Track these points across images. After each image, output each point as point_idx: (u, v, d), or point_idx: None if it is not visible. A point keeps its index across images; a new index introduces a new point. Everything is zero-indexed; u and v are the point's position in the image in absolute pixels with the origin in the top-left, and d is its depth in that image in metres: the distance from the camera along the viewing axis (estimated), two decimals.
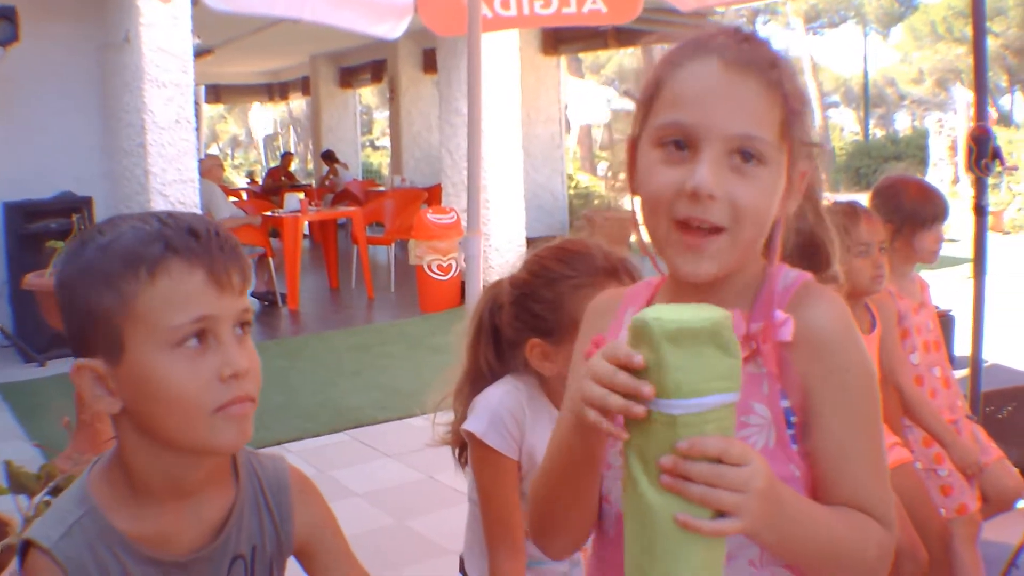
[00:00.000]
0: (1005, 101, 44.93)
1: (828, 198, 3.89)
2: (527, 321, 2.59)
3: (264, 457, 1.81)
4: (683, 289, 1.60)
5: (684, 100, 1.51)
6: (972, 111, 5.13)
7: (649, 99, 1.57)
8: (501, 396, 2.62)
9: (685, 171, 1.49)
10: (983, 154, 4.38)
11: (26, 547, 1.57)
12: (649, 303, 1.69)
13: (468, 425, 2.61)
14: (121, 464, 1.63)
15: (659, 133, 1.53)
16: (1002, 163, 4.43)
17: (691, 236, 1.51)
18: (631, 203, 1.65)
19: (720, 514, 1.29)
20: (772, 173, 1.53)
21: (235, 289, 1.58)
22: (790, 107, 1.54)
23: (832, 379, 1.53)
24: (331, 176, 20.76)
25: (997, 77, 40.34)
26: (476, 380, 2.73)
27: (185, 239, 1.54)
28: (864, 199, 3.98)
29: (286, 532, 1.77)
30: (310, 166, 28.21)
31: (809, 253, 1.68)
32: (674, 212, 1.51)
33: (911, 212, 4.00)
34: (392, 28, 5.85)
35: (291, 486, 1.80)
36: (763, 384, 1.54)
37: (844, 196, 3.96)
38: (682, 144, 1.51)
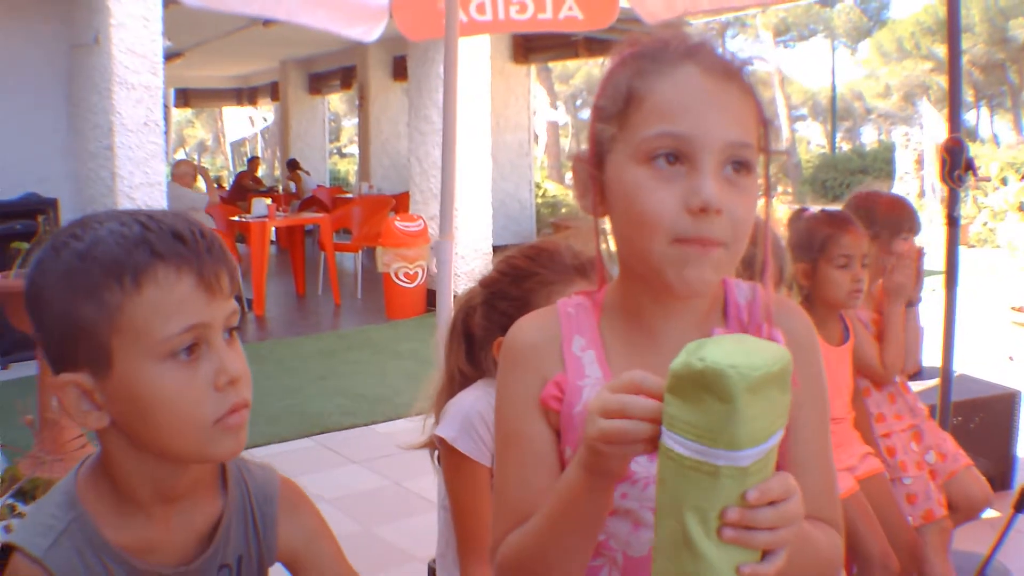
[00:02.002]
0: (971, 116, 45.27)
1: (805, 207, 3.91)
2: (495, 320, 2.58)
3: (254, 465, 1.75)
4: (645, 308, 1.56)
5: (672, 110, 1.44)
6: (945, 124, 5.15)
7: (622, 113, 1.49)
8: (472, 401, 2.60)
9: (683, 186, 1.43)
10: (956, 166, 4.39)
11: (6, 552, 1.50)
12: (598, 329, 1.61)
13: (439, 431, 2.59)
14: (107, 472, 1.56)
15: (646, 147, 1.45)
16: (975, 175, 4.44)
17: (695, 247, 1.43)
18: (601, 221, 1.58)
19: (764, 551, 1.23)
20: (755, 182, 1.49)
21: (224, 292, 1.50)
22: (764, 114, 1.51)
23: (810, 385, 1.56)
24: (295, 182, 20.70)
25: (963, 93, 40.63)
26: (451, 385, 2.71)
27: (171, 243, 1.46)
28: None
29: (268, 544, 1.71)
30: (277, 172, 28.11)
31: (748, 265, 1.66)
32: (677, 231, 1.43)
33: (885, 222, 4.02)
34: (368, 31, 5.79)
35: (279, 498, 1.74)
36: None
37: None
38: (673, 157, 1.44)
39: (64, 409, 1.48)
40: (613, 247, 1.59)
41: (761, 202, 1.54)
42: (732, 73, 1.47)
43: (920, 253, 4.11)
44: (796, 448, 1.53)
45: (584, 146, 1.60)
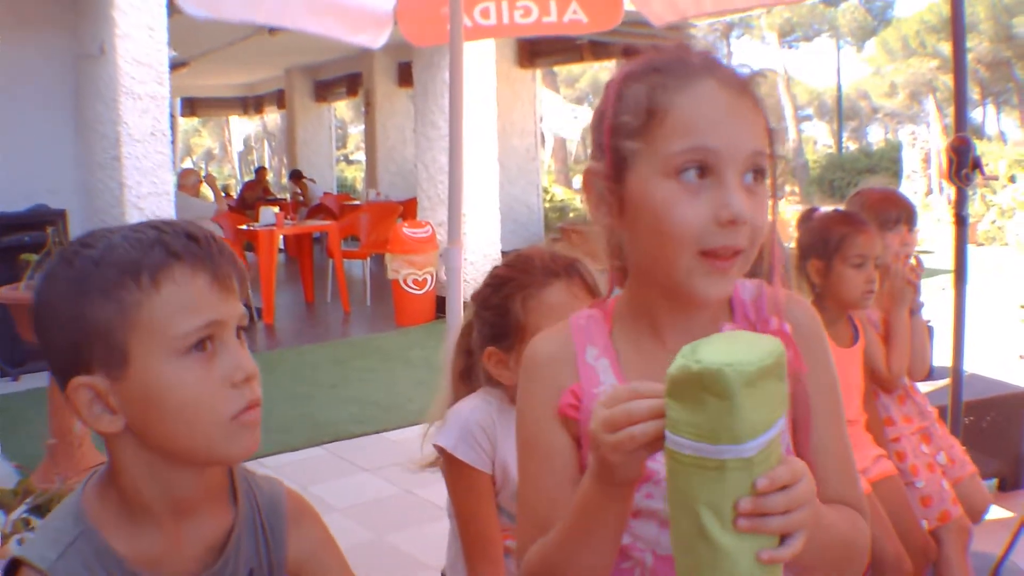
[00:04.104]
0: (976, 114, 45.26)
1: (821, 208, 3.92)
2: (482, 330, 2.64)
3: (261, 479, 1.76)
4: (658, 315, 1.60)
5: (698, 125, 1.48)
6: (950, 122, 5.15)
7: (644, 128, 1.51)
8: (471, 409, 2.63)
9: (711, 199, 1.47)
10: (963, 164, 4.38)
11: (16, 567, 1.49)
12: (609, 338, 1.65)
13: (439, 440, 2.62)
14: (116, 483, 1.55)
15: (674, 162, 1.48)
16: (982, 173, 4.43)
17: (720, 261, 1.49)
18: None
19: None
20: (766, 188, 1.54)
21: (235, 292, 1.54)
22: (769, 122, 1.55)
23: (820, 376, 1.63)
24: (301, 193, 20.72)
25: (969, 90, 40.61)
26: (454, 398, 2.74)
27: (185, 243, 1.49)
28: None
29: (278, 558, 1.71)
30: (284, 180, 28.15)
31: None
32: (704, 243, 1.48)
33: (874, 215, 4.02)
34: (373, 38, 5.79)
35: (287, 511, 1.74)
36: None
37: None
38: (701, 170, 1.48)
39: (77, 413, 1.49)
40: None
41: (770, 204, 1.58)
42: (745, 85, 1.53)
43: (908, 257, 4.08)
44: (816, 436, 1.60)
45: (590, 158, 1.63)
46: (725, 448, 1.20)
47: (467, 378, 2.75)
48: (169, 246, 1.48)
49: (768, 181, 1.55)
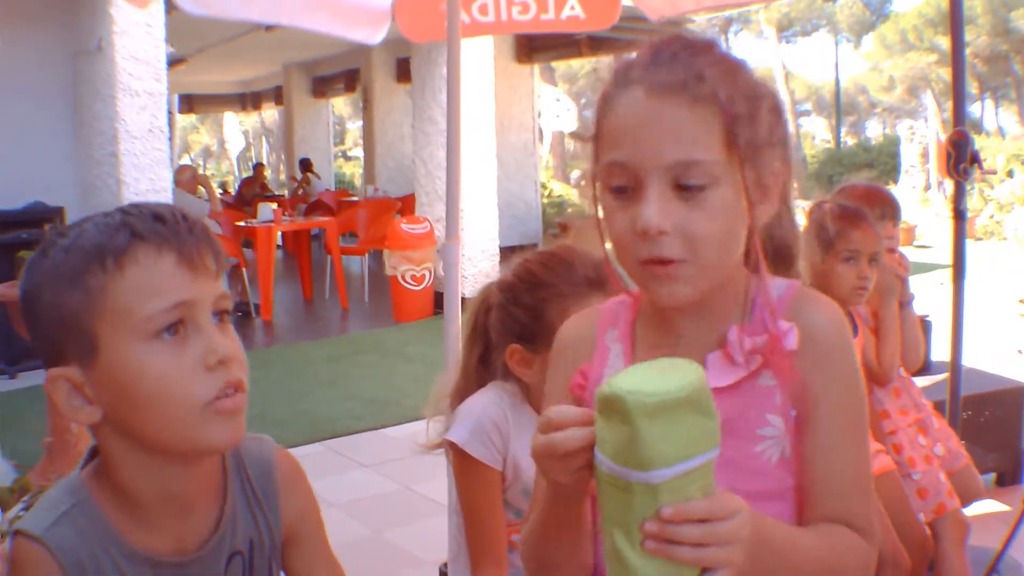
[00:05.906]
0: (975, 109, 45.21)
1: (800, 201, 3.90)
2: (509, 326, 2.57)
3: (249, 440, 1.71)
4: (665, 311, 1.58)
5: (618, 138, 1.49)
6: (948, 116, 5.14)
7: (594, 138, 1.55)
8: (485, 405, 2.59)
9: (632, 211, 1.47)
10: (962, 159, 4.38)
11: (15, 538, 1.48)
12: (632, 325, 1.65)
13: (450, 435, 2.58)
14: (109, 477, 1.53)
15: (603, 175, 1.51)
16: (980, 168, 4.43)
17: (658, 268, 1.48)
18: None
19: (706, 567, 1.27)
20: (724, 192, 1.47)
21: (210, 272, 1.49)
22: (730, 114, 1.46)
23: (834, 387, 1.53)
24: (304, 185, 20.70)
25: (968, 85, 40.51)
26: (467, 383, 2.70)
27: (150, 224, 1.46)
28: None
29: (275, 521, 1.69)
30: (282, 176, 28.11)
31: (780, 260, 1.66)
32: (637, 254, 1.48)
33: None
34: (371, 34, 5.77)
35: (276, 471, 1.72)
36: (775, 396, 1.52)
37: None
38: (624, 183, 1.48)
39: (56, 406, 1.47)
40: None
41: (740, 203, 1.51)
42: (675, 89, 1.45)
43: (893, 251, 4.08)
44: (822, 448, 1.51)
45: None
46: (631, 472, 1.23)
47: (483, 362, 2.71)
48: (133, 227, 1.45)
49: (733, 184, 1.48)
